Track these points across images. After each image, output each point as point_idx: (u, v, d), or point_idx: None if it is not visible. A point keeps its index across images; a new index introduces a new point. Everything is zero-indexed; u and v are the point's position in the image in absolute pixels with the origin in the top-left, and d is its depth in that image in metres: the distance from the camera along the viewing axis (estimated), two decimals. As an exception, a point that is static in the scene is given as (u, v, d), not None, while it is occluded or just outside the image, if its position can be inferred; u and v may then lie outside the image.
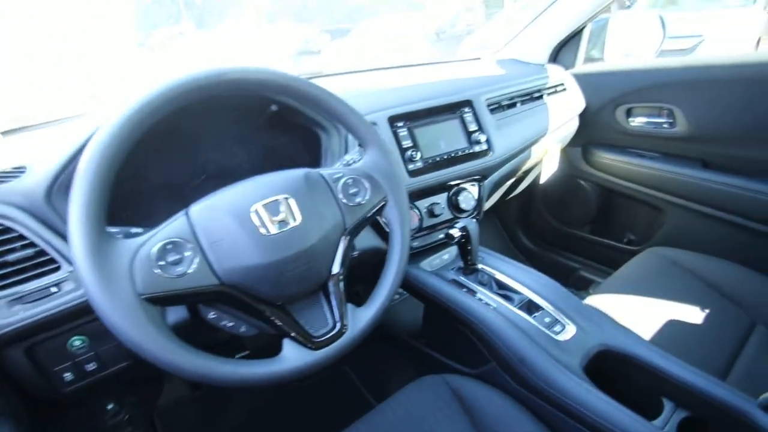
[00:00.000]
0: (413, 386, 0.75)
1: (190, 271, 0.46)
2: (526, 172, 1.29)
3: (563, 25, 1.21)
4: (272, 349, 0.52)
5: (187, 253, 0.47)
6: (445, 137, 0.93)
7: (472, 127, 0.96)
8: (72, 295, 0.56)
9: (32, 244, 0.56)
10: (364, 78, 1.12)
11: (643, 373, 0.68)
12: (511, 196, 1.42)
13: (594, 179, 1.36)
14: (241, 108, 0.71)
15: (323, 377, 1.24)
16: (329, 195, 0.57)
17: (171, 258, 0.46)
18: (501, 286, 0.85)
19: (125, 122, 0.44)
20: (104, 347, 0.62)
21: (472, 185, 0.99)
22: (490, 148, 0.97)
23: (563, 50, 1.27)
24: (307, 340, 0.52)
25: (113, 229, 0.52)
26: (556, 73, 1.22)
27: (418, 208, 0.91)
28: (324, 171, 0.59)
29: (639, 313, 0.90)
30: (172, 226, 0.48)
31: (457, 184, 0.96)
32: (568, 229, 1.52)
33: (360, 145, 0.65)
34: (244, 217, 0.49)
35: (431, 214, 0.92)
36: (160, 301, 0.45)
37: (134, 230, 0.53)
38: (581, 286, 1.47)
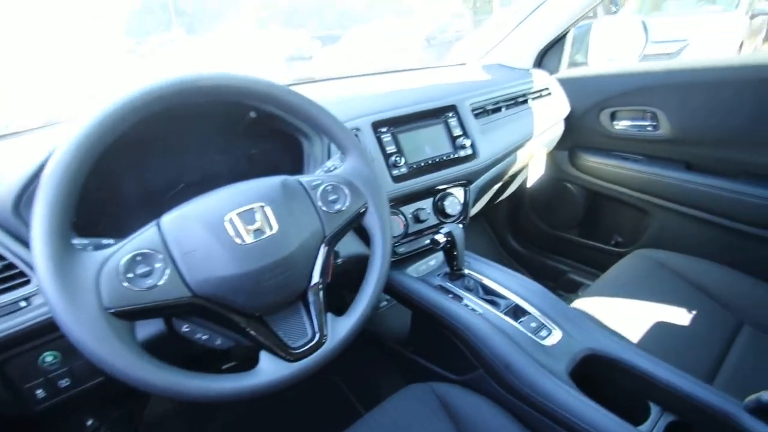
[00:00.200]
0: (399, 395, 0.74)
1: (160, 283, 0.45)
2: (513, 177, 1.29)
3: (546, 31, 1.22)
4: (258, 360, 0.50)
5: (158, 265, 0.45)
6: (429, 142, 0.92)
7: (457, 132, 0.95)
8: (42, 309, 0.54)
9: (0, 257, 0.54)
10: (348, 84, 1.12)
11: (629, 377, 0.68)
12: (499, 200, 1.42)
13: (581, 182, 1.37)
14: (220, 115, 0.70)
15: (312, 385, 1.22)
16: (308, 202, 0.56)
17: (140, 270, 0.44)
18: (487, 291, 0.85)
19: (90, 132, 0.43)
20: (78, 363, 0.60)
21: (458, 190, 0.98)
22: (474, 153, 0.96)
23: (548, 55, 1.28)
24: (285, 352, 0.50)
25: (83, 241, 0.50)
26: (540, 78, 1.22)
27: (403, 214, 0.91)
28: (303, 178, 0.59)
29: (626, 316, 0.90)
30: (142, 237, 0.46)
31: (443, 189, 0.96)
32: (557, 232, 1.52)
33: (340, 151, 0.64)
34: (218, 227, 0.48)
35: (417, 219, 0.92)
36: (128, 315, 0.44)
37: (105, 241, 0.52)
38: (570, 289, 1.48)
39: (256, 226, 0.50)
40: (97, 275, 0.43)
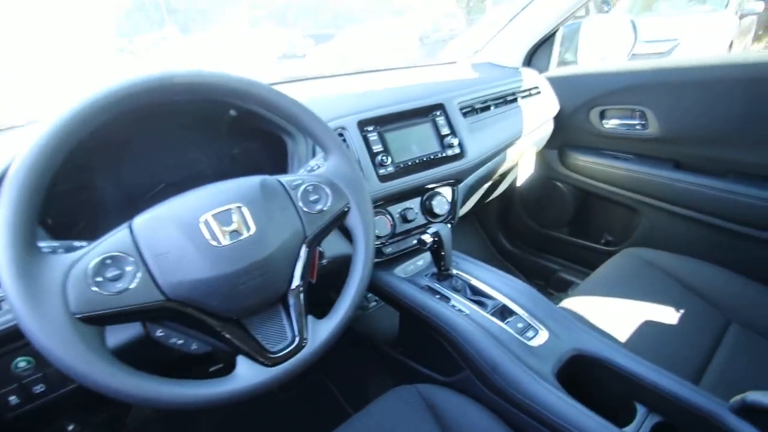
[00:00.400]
0: (385, 397, 0.73)
1: (131, 286, 0.43)
2: (503, 176, 1.28)
3: (535, 29, 1.22)
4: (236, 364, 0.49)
5: (129, 268, 0.44)
6: (417, 141, 0.91)
7: (445, 130, 0.94)
8: (11, 314, 0.53)
9: None
10: (335, 82, 1.10)
11: (615, 378, 0.67)
12: (489, 199, 1.42)
13: (571, 181, 1.37)
14: (200, 113, 0.68)
15: (301, 386, 1.21)
16: (288, 203, 0.55)
17: (110, 273, 0.43)
18: (475, 291, 0.84)
19: (55, 131, 0.41)
20: (52, 368, 0.58)
21: (446, 189, 0.97)
22: (462, 152, 0.96)
23: (537, 54, 1.28)
24: (263, 357, 0.49)
25: (54, 243, 0.49)
26: (530, 77, 1.22)
27: (390, 214, 0.90)
28: (283, 178, 0.57)
29: (614, 315, 0.89)
30: (113, 240, 0.45)
31: (431, 189, 0.95)
32: (547, 231, 1.52)
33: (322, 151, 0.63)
34: (193, 228, 0.47)
35: (404, 219, 0.91)
36: (97, 320, 0.42)
37: (78, 244, 0.50)
38: (561, 288, 1.48)
39: (233, 227, 0.48)
40: (63, 279, 0.41)
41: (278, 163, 0.79)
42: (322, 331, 0.54)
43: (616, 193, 1.26)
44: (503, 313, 0.78)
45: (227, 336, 0.48)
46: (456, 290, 0.84)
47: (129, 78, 0.46)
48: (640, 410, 0.65)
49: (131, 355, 0.52)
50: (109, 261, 0.43)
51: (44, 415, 0.71)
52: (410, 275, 0.91)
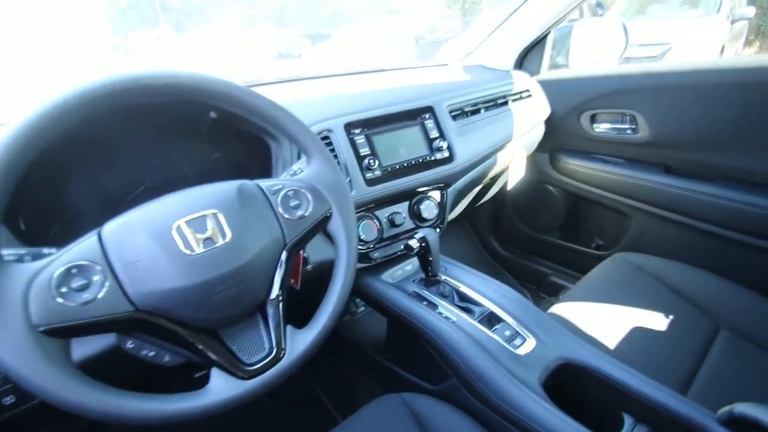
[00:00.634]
0: (371, 406, 0.72)
1: (98, 297, 0.42)
2: (494, 179, 1.27)
3: (527, 32, 1.21)
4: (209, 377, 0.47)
5: (96, 278, 0.42)
6: (405, 145, 0.90)
7: (434, 133, 0.93)
8: None
9: None
10: (324, 84, 1.09)
11: (603, 387, 0.66)
12: (480, 202, 1.41)
13: (562, 185, 1.36)
14: (179, 115, 0.66)
15: (290, 393, 1.19)
16: (267, 208, 0.53)
17: (76, 283, 0.41)
18: (463, 297, 0.83)
19: (16, 136, 0.39)
20: None
21: (435, 193, 0.96)
22: (452, 156, 0.94)
23: (528, 57, 1.27)
24: (237, 369, 0.47)
25: (20, 251, 0.46)
26: (521, 80, 1.21)
27: (377, 218, 0.88)
28: (263, 182, 0.56)
29: (604, 321, 0.89)
30: (79, 248, 0.43)
31: (419, 193, 0.94)
32: (539, 234, 1.51)
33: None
34: (164, 236, 0.45)
35: (392, 224, 0.89)
36: (62, 332, 0.40)
37: (47, 251, 0.48)
38: (552, 292, 1.47)
39: (207, 234, 0.46)
40: (25, 289, 0.39)
41: (262, 166, 0.77)
42: (301, 341, 0.53)
43: (606, 197, 1.25)
44: (491, 320, 0.77)
45: (200, 347, 0.46)
46: (443, 296, 0.83)
47: (95, 79, 0.44)
48: (628, 420, 0.64)
49: (101, 369, 0.50)
50: (75, 270, 0.41)
51: (19, 427, 0.69)
52: (398, 280, 0.90)
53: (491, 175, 1.16)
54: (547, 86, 1.23)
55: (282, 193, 0.55)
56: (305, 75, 1.15)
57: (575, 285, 1.03)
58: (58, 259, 0.42)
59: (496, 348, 0.70)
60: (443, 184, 0.96)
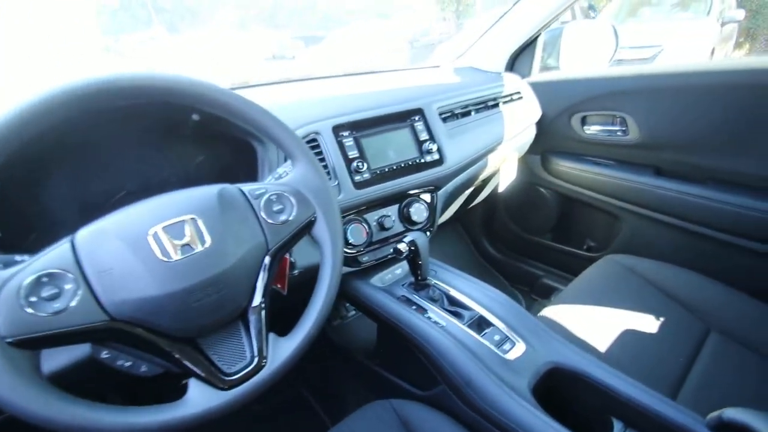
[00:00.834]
0: (359, 413, 0.71)
1: (72, 305, 0.40)
2: (485, 181, 1.27)
3: (517, 34, 1.21)
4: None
5: (68, 286, 0.40)
6: (394, 147, 0.89)
7: (423, 136, 0.92)
8: None
9: None
10: (313, 85, 1.07)
11: (592, 392, 0.66)
12: (472, 204, 1.40)
13: (553, 187, 1.36)
14: (161, 117, 0.65)
15: (280, 399, 1.17)
16: (249, 213, 0.52)
17: (46, 293, 0.39)
18: (452, 301, 0.82)
19: None
20: None
21: (425, 196, 0.95)
22: (441, 158, 0.94)
23: (519, 59, 1.27)
24: (217, 379, 0.46)
25: None
26: (512, 82, 1.20)
27: (366, 222, 0.87)
28: (245, 186, 0.54)
29: (594, 324, 0.88)
30: (51, 255, 0.41)
31: (409, 196, 0.93)
32: (531, 236, 1.51)
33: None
34: (140, 242, 0.44)
35: (381, 227, 0.88)
36: (31, 343, 0.39)
37: (20, 258, 0.46)
38: (544, 294, 1.47)
39: (185, 240, 0.45)
40: None
41: (249, 169, 0.76)
42: (283, 349, 0.51)
43: (597, 199, 1.25)
44: (480, 324, 0.76)
45: (177, 357, 0.45)
46: (433, 300, 0.82)
47: (71, 81, 0.43)
48: (617, 426, 0.63)
49: (76, 381, 0.48)
50: (45, 279, 0.40)
51: None
52: (387, 284, 0.89)
53: (482, 177, 1.15)
54: (538, 88, 1.23)
55: (265, 197, 0.54)
56: (294, 77, 1.13)
57: (566, 287, 1.03)
58: (28, 268, 0.40)
59: (485, 353, 0.69)
60: (433, 187, 0.95)
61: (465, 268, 0.92)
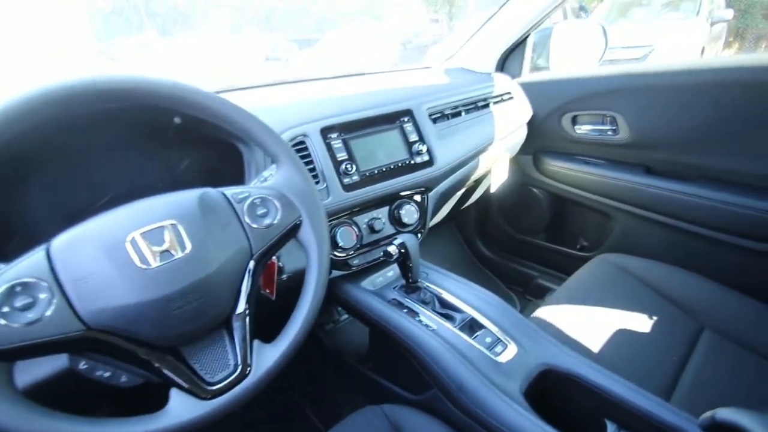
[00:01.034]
0: (351, 419, 0.70)
1: (46, 315, 0.39)
2: (477, 182, 1.26)
3: (507, 35, 1.20)
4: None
5: (42, 295, 0.39)
6: (384, 149, 0.88)
7: (413, 137, 0.92)
8: None
9: None
10: (303, 87, 1.06)
11: (585, 394, 0.65)
12: (465, 205, 1.39)
13: (546, 187, 1.36)
14: (143, 120, 0.64)
15: (272, 404, 1.16)
16: (231, 217, 0.51)
17: (19, 302, 0.38)
18: (444, 304, 0.81)
19: None
20: None
21: (416, 198, 0.94)
22: (432, 159, 0.93)
23: (509, 59, 1.27)
24: (199, 389, 0.45)
25: None
26: (502, 82, 1.20)
27: (356, 224, 0.86)
28: (228, 190, 0.53)
29: (587, 325, 0.87)
30: (25, 264, 0.40)
31: (400, 198, 0.92)
32: (524, 236, 1.51)
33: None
34: (117, 249, 0.42)
35: (371, 229, 0.87)
36: (4, 355, 0.38)
37: None
38: (538, 295, 1.46)
39: (165, 247, 0.44)
40: None
41: (236, 172, 0.75)
42: (268, 356, 0.50)
43: (589, 199, 1.25)
44: (472, 326, 0.75)
45: (157, 366, 0.44)
46: (424, 303, 0.81)
47: (49, 83, 0.41)
48: (611, 428, 0.62)
49: (53, 393, 0.47)
50: (19, 288, 0.39)
51: None
52: (379, 287, 0.88)
53: (474, 177, 1.15)
54: (529, 88, 1.22)
55: (248, 201, 0.53)
56: (284, 79, 1.12)
57: (559, 288, 1.02)
58: (0, 277, 0.39)
59: (476, 356, 0.68)
60: (424, 188, 0.95)
61: (459, 270, 0.91)
